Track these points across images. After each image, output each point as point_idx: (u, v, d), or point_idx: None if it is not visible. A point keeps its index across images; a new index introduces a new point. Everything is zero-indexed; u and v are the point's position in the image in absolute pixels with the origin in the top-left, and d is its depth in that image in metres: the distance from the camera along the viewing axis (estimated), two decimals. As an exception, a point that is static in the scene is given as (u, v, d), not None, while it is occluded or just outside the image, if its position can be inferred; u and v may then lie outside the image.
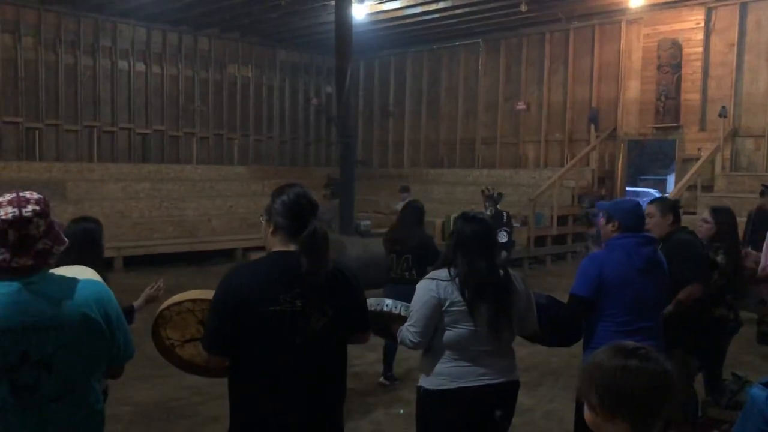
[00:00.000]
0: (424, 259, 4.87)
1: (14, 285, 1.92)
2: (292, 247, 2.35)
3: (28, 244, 1.94)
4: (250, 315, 2.27)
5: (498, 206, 10.03)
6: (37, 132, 13.79)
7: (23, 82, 13.53)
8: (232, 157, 16.82)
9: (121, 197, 13.45)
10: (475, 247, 2.92)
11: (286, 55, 17.62)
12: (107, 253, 11.31)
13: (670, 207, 4.22)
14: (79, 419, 2.03)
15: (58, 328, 1.93)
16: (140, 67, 15.19)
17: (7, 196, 1.96)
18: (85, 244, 3.20)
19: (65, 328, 1.94)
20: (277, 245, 2.40)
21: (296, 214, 2.38)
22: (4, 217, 1.91)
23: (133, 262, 11.45)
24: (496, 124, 16.26)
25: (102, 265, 3.16)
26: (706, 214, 4.77)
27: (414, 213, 5.56)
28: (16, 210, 1.92)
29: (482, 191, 10.55)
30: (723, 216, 4.69)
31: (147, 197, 13.75)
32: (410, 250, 5.36)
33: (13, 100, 13.44)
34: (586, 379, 1.62)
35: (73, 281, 2.04)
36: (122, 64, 14.91)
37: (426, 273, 3.07)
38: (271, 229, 2.42)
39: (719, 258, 4.47)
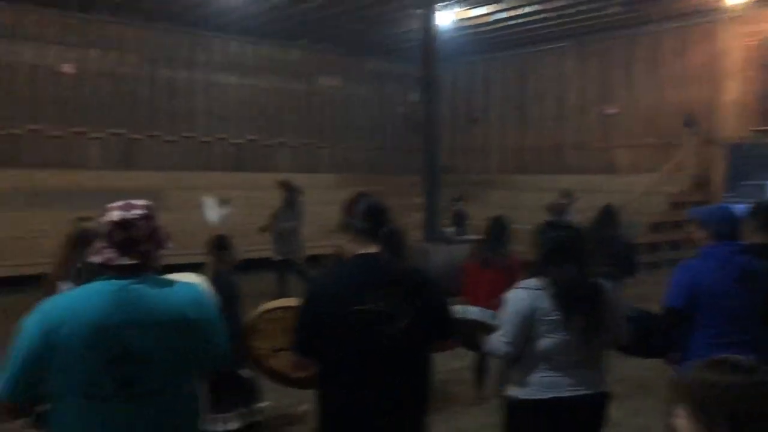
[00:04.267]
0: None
1: (119, 283, 2.05)
2: (372, 250, 2.45)
3: (132, 245, 2.08)
4: (336, 316, 2.34)
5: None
6: (138, 142, 14.60)
7: (126, 96, 14.36)
8: (322, 165, 17.18)
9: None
10: (567, 255, 2.89)
11: (374, 64, 17.85)
12: (203, 259, 11.78)
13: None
14: (177, 416, 2.11)
15: (157, 326, 2.03)
16: (233, 79, 15.80)
17: (119, 203, 2.13)
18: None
19: (163, 326, 2.04)
20: (358, 249, 2.49)
21: (373, 218, 2.50)
22: (110, 220, 2.07)
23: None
24: (585, 128, 15.87)
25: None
26: None
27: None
28: (123, 213, 2.09)
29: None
30: None
31: (240, 205, 14.21)
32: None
33: (117, 112, 14.27)
34: (689, 395, 1.53)
35: (173, 283, 2.16)
36: (216, 77, 15.56)
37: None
38: (350, 235, 2.52)
39: None
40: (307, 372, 2.50)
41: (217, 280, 4.26)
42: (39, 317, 1.98)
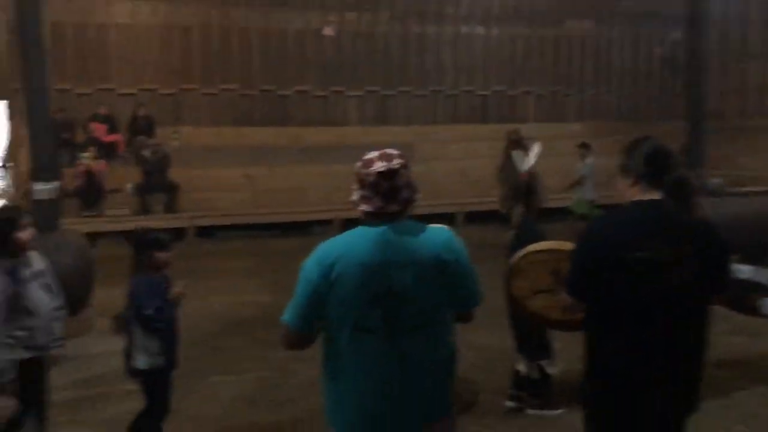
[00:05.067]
0: None
1: (381, 228, 2.22)
2: (655, 196, 2.34)
3: (396, 193, 2.22)
4: (615, 262, 2.28)
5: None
6: (392, 98, 15.33)
7: (380, 54, 15.11)
8: (569, 114, 16.58)
9: (462, 157, 14.21)
10: None
11: (628, 2, 16.61)
12: (451, 209, 12.20)
13: None
14: (437, 352, 2.26)
15: (415, 265, 2.18)
16: (480, 30, 15.79)
17: (375, 153, 2.26)
18: None
19: (420, 266, 2.18)
20: (638, 195, 2.38)
21: (656, 163, 2.37)
22: (377, 170, 2.21)
23: (473, 218, 12.15)
24: None
25: None
26: None
27: None
28: (386, 163, 2.22)
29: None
30: None
31: (485, 156, 14.29)
32: None
33: (372, 70, 15.10)
34: None
35: (427, 227, 2.29)
36: (464, 30, 15.68)
37: None
38: (630, 181, 2.40)
39: None
40: (574, 315, 2.48)
41: (523, 227, 4.14)
42: (316, 258, 2.22)
